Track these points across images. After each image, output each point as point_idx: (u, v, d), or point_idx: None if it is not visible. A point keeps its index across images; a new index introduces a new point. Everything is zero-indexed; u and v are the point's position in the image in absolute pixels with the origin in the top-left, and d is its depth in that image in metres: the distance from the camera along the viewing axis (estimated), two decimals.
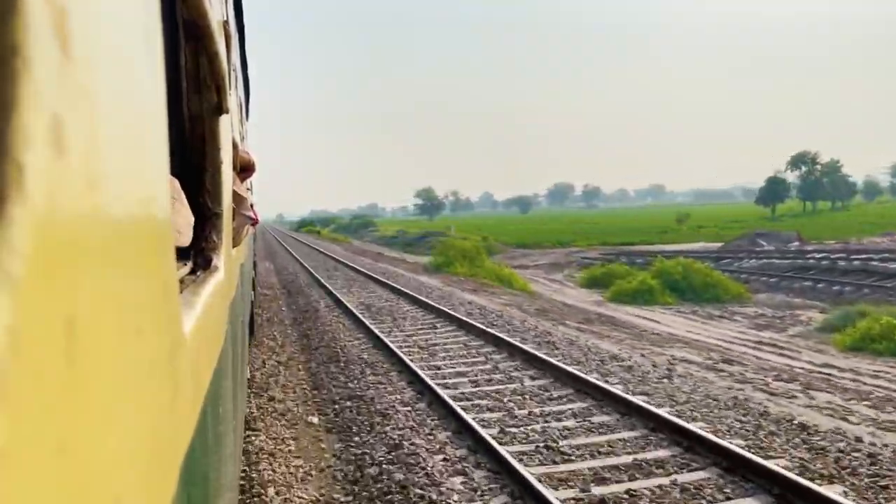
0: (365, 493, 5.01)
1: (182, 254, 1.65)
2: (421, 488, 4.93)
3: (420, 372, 8.06)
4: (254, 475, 5.46)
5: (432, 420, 6.51)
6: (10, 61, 0.33)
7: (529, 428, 6.17)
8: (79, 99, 0.43)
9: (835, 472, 4.99)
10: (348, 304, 14.22)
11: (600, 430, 6.06)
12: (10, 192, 0.33)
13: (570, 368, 7.92)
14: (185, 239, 1.59)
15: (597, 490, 4.79)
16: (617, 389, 7.04)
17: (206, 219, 1.82)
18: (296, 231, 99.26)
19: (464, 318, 11.85)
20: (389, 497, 4.87)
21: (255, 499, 5.03)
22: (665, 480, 4.91)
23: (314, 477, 5.43)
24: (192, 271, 1.68)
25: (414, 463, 5.42)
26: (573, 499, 4.68)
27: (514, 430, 6.13)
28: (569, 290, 21.96)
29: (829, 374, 8.96)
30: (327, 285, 18.24)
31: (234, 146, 3.14)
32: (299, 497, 5.02)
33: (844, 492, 4.63)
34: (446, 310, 12.93)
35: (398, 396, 7.41)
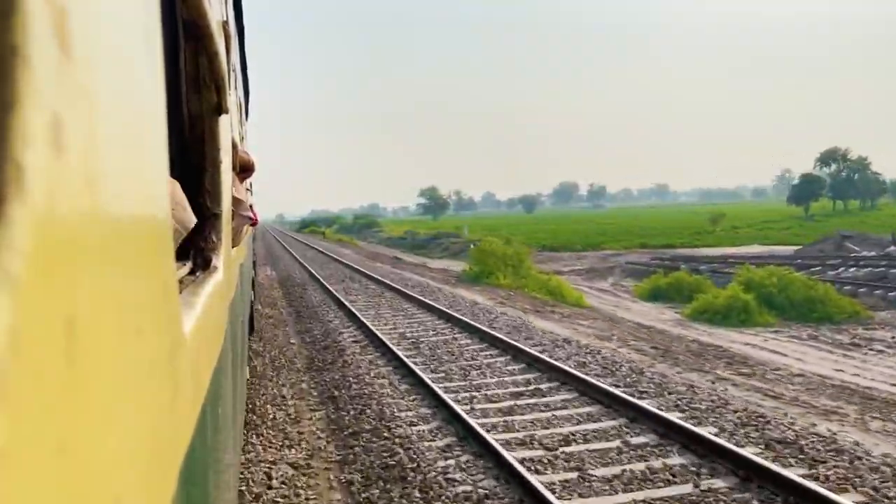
0: None
1: (182, 254, 1.65)
2: None
3: None
4: None
5: None
6: (10, 61, 0.33)
7: None
8: (78, 99, 0.43)
9: None
10: (385, 339, 10.24)
11: None
12: (10, 192, 0.33)
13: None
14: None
15: None
16: None
17: (205, 219, 1.82)
18: (298, 232, 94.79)
19: (573, 371, 7.79)
20: None
21: None
22: None
23: None
24: (192, 271, 1.68)
25: None
26: None
27: None
28: (628, 303, 18.41)
29: None
30: (347, 304, 14.33)
31: (234, 146, 3.14)
32: None
33: None
34: (534, 352, 8.89)
35: None
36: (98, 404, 0.46)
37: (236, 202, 2.92)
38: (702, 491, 4.78)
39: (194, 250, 1.75)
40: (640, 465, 5.28)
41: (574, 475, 5.15)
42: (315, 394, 7.95)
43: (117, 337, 0.53)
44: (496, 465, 5.27)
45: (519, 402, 7.08)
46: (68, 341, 0.40)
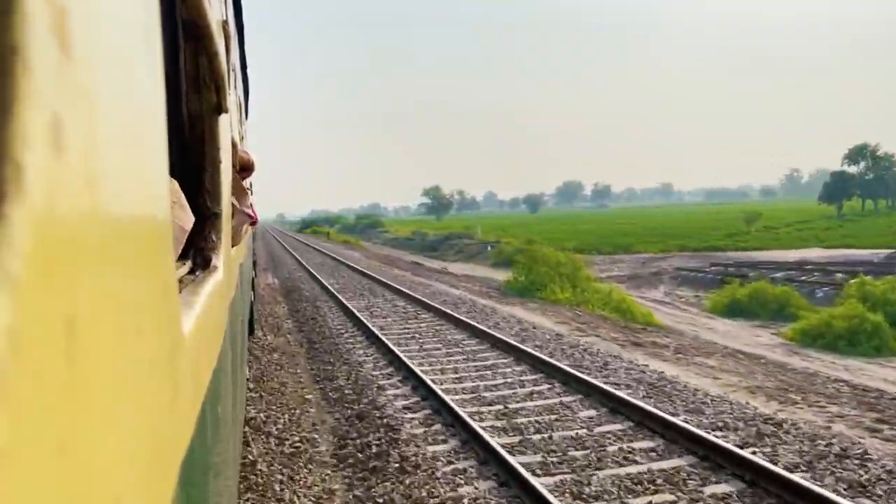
0: None
1: (182, 254, 1.65)
2: None
3: None
4: None
5: None
6: (10, 61, 0.33)
7: None
8: (78, 99, 0.43)
9: None
10: (454, 405, 6.53)
11: None
12: (10, 192, 0.33)
13: None
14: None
15: None
16: None
17: (205, 219, 1.82)
18: (299, 232, 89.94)
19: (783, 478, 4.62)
20: None
21: None
22: None
23: None
24: (192, 271, 1.68)
25: None
26: None
27: None
28: (703, 319, 15.80)
29: None
30: (377, 332, 10.65)
31: (234, 146, 3.14)
32: None
33: None
34: (725, 444, 5.33)
35: None
36: (98, 404, 0.46)
37: (239, 195, 2.92)
38: None
39: (194, 250, 1.75)
40: None
41: None
42: None
43: (117, 337, 0.53)
44: None
45: None
46: (68, 341, 0.40)
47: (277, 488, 5.08)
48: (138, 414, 0.60)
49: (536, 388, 7.52)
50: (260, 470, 5.42)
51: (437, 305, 13.81)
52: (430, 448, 5.72)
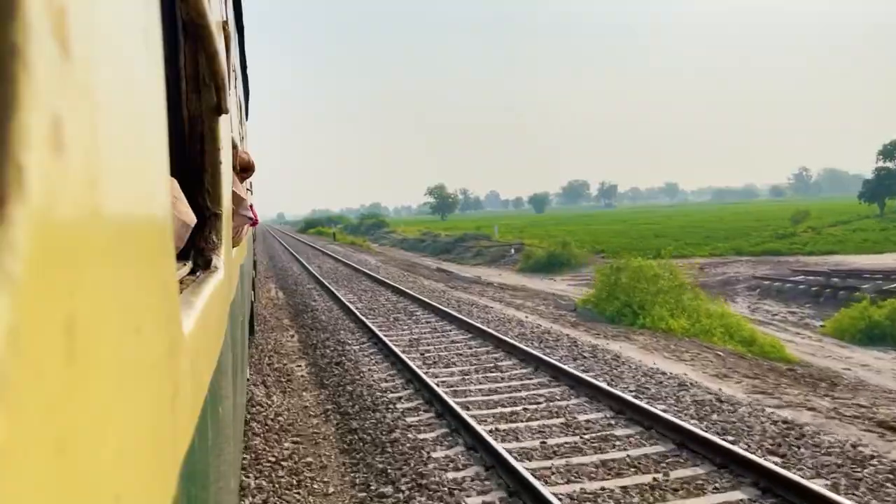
0: None
1: (182, 254, 1.65)
2: None
3: None
4: None
5: None
6: (10, 61, 0.33)
7: None
8: (79, 99, 0.43)
9: None
10: None
11: None
12: (10, 192, 0.33)
13: None
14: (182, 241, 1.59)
15: None
16: None
17: (205, 219, 1.82)
18: (301, 233, 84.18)
19: None
20: None
21: None
22: None
23: None
24: (192, 271, 1.68)
25: None
26: None
27: None
28: (835, 348, 12.84)
29: None
30: (454, 405, 6.57)
31: (234, 146, 3.14)
32: None
33: None
34: None
35: None
36: (98, 404, 0.46)
37: (237, 200, 2.92)
38: None
39: (195, 250, 1.75)
40: None
41: None
42: None
43: (117, 337, 0.53)
44: None
45: None
46: (68, 341, 0.40)
47: None
48: (138, 414, 0.60)
49: None
50: None
51: (515, 342, 9.57)
52: None
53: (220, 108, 1.96)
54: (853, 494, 4.74)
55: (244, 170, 3.75)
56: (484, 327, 11.02)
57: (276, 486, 5.34)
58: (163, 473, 0.73)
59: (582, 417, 6.55)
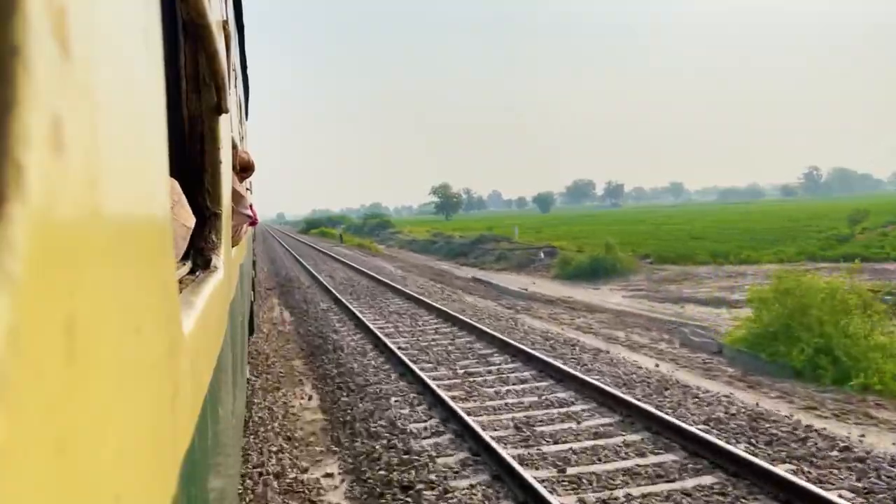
0: None
1: (183, 254, 1.65)
2: None
3: None
4: None
5: None
6: (10, 61, 0.33)
7: None
8: (79, 99, 0.43)
9: None
10: None
11: None
12: (10, 192, 0.33)
13: None
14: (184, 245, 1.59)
15: None
16: None
17: (205, 219, 1.82)
18: (304, 234, 77.76)
19: None
20: None
21: None
22: None
23: None
24: (192, 271, 1.68)
25: None
26: None
27: None
28: None
29: None
30: None
31: (234, 146, 3.14)
32: None
33: None
34: None
35: None
36: (98, 404, 0.46)
37: (236, 198, 2.92)
38: None
39: (194, 250, 1.75)
40: None
41: None
42: None
43: (117, 337, 0.53)
44: None
45: None
46: (68, 341, 0.40)
47: None
48: (138, 413, 0.60)
49: None
50: None
51: (692, 430, 5.50)
52: None
53: (220, 108, 1.96)
54: None
55: (244, 169, 3.74)
56: (605, 387, 6.89)
57: None
58: (163, 473, 0.73)
59: None
